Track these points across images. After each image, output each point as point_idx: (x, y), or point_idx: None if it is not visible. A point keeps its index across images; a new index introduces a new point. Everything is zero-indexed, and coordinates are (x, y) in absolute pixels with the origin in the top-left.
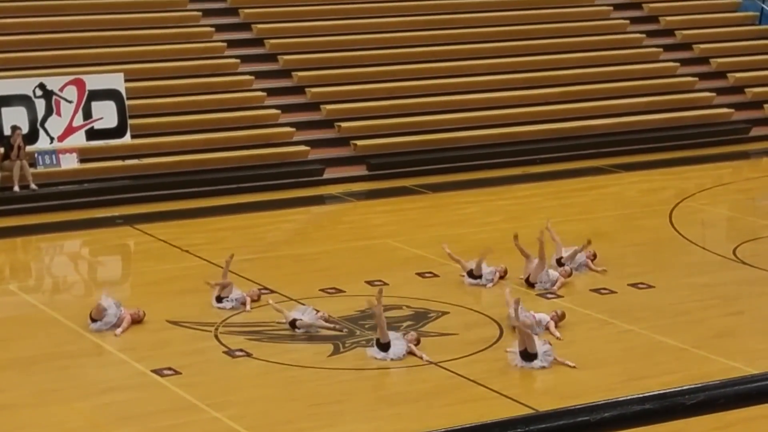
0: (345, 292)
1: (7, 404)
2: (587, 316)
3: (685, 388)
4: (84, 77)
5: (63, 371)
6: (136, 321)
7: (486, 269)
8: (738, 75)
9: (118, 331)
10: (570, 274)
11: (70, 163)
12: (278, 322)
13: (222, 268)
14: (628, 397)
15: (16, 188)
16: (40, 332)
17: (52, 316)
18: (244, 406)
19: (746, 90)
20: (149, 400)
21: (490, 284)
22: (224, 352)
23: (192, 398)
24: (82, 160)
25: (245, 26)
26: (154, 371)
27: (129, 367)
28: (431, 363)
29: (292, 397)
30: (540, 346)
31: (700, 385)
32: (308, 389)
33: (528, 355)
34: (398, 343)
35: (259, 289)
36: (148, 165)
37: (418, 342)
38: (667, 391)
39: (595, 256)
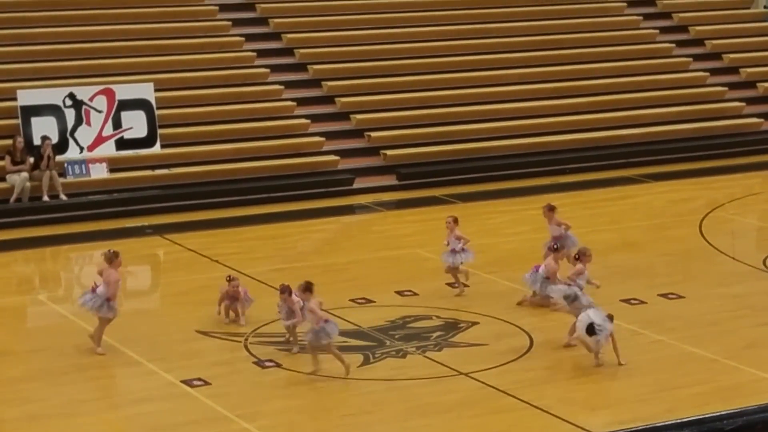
0: (375, 302)
1: (38, 415)
2: (617, 326)
3: (723, 413)
4: (114, 87)
5: (92, 382)
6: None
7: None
8: None
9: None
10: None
11: (99, 172)
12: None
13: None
14: (667, 423)
15: (46, 198)
16: (70, 343)
17: (82, 326)
18: (274, 417)
19: None
20: (179, 411)
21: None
22: (254, 363)
23: (222, 409)
24: (111, 170)
25: (275, 36)
26: (184, 382)
27: (159, 378)
28: None
29: (322, 408)
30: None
31: (738, 409)
32: (338, 400)
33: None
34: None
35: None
36: (178, 175)
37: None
38: (706, 416)
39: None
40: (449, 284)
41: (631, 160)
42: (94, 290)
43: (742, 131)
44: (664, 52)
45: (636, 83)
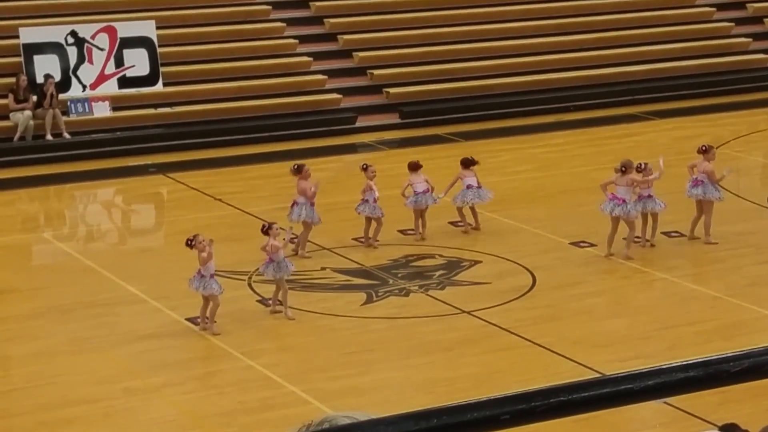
0: (378, 240)
1: (44, 351)
2: (620, 264)
3: (729, 355)
4: (115, 24)
5: (98, 319)
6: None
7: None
8: None
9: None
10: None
11: (102, 111)
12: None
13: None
14: (672, 365)
15: (49, 137)
16: (75, 280)
17: (87, 264)
18: (278, 355)
19: None
20: (183, 348)
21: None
22: (258, 301)
23: (226, 346)
24: (114, 109)
25: None
26: (189, 320)
27: (163, 316)
28: None
29: (325, 346)
30: None
31: (744, 351)
32: (341, 338)
33: None
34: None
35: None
36: (181, 113)
37: None
38: (711, 358)
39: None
40: (452, 223)
41: (635, 97)
42: (295, 204)
43: (748, 67)
44: None
45: (640, 19)
